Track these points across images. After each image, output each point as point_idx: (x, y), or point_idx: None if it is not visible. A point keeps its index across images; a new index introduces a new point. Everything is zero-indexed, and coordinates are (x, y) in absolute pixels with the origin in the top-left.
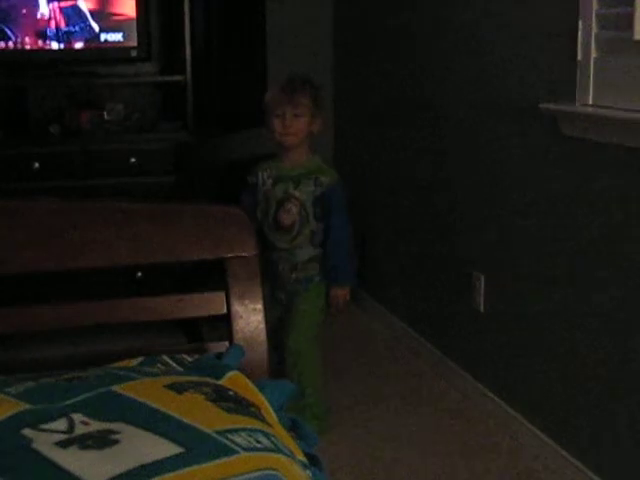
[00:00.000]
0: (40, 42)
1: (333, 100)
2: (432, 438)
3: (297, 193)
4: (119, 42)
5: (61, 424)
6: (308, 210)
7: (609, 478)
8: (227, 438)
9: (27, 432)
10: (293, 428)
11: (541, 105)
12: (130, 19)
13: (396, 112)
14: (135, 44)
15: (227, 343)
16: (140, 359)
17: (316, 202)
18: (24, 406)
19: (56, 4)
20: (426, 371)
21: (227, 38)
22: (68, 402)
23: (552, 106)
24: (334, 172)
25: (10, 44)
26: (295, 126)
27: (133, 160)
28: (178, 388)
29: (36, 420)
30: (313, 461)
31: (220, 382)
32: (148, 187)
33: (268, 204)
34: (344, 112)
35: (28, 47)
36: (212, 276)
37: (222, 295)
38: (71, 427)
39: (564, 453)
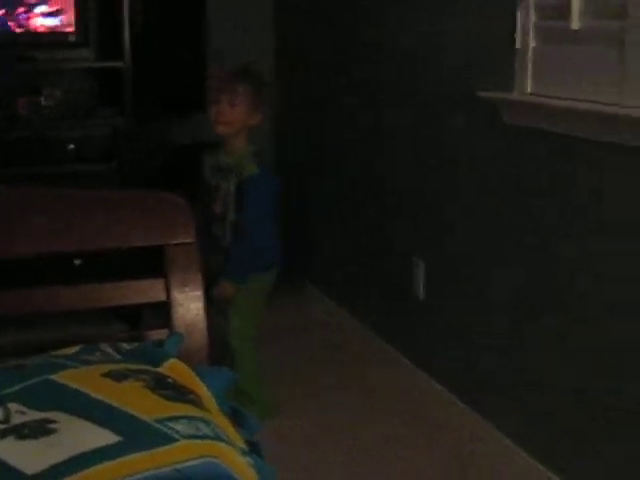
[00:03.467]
0: None
1: (273, 85)
2: (375, 425)
3: (224, 184)
4: (56, 26)
5: None
6: (229, 201)
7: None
8: (167, 426)
9: None
10: (234, 415)
11: (480, 93)
12: (67, 3)
13: (336, 98)
14: (73, 29)
15: (167, 331)
16: (78, 347)
17: (238, 194)
18: None
19: None
20: (367, 357)
21: (166, 21)
22: (4, 392)
23: (491, 94)
24: (254, 165)
25: None
26: (229, 115)
27: (71, 147)
28: (116, 376)
29: None
30: (254, 448)
31: (159, 370)
32: (87, 174)
33: (208, 193)
34: (285, 97)
35: None
36: (151, 263)
37: (162, 282)
38: (7, 416)
39: (499, 434)
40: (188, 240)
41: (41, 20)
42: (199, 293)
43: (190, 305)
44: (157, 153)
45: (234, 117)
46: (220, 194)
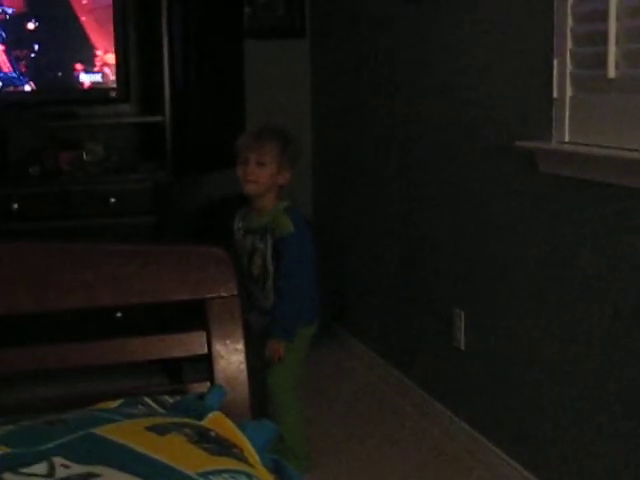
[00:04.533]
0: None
1: (312, 146)
2: (416, 477)
3: (261, 245)
4: (98, 83)
5: (41, 468)
6: (268, 261)
7: None
8: None
9: (7, 476)
10: (276, 469)
11: (517, 143)
12: (109, 59)
13: (372, 153)
14: (114, 85)
15: (208, 384)
16: (121, 401)
17: (274, 253)
18: (4, 450)
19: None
20: (408, 410)
21: (206, 79)
22: (48, 445)
23: (528, 144)
24: (289, 222)
25: None
26: (257, 174)
27: (113, 200)
28: (159, 430)
29: (16, 464)
30: None
31: (202, 423)
32: (128, 228)
33: (242, 254)
34: (322, 157)
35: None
36: (193, 317)
37: (203, 335)
38: (52, 470)
39: None
40: (230, 293)
41: (83, 76)
42: (240, 346)
43: (231, 358)
44: (196, 207)
45: (262, 176)
46: (257, 256)
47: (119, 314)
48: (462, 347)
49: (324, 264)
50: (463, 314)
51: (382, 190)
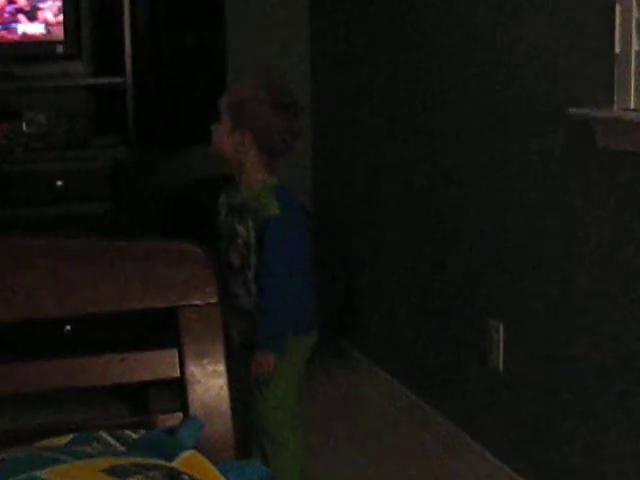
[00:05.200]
0: None
1: (312, 131)
2: None
3: (240, 227)
4: (40, 35)
5: None
6: (249, 251)
7: None
8: None
9: None
10: None
11: (570, 110)
12: (55, 8)
13: (389, 126)
14: (61, 37)
15: (181, 415)
16: (71, 436)
17: (258, 240)
18: None
19: None
20: (433, 446)
21: (178, 29)
22: None
23: (585, 111)
24: (274, 201)
25: None
26: (214, 134)
27: (59, 184)
28: (120, 473)
29: None
30: None
31: (173, 464)
32: (78, 218)
33: (222, 239)
34: (323, 132)
35: None
36: (162, 331)
37: (174, 354)
38: None
39: None
40: (207, 301)
41: (21, 27)
42: (221, 367)
43: (209, 382)
44: (166, 191)
45: (215, 134)
46: (237, 242)
47: (68, 327)
48: (500, 368)
49: (326, 264)
50: (502, 327)
51: (399, 173)
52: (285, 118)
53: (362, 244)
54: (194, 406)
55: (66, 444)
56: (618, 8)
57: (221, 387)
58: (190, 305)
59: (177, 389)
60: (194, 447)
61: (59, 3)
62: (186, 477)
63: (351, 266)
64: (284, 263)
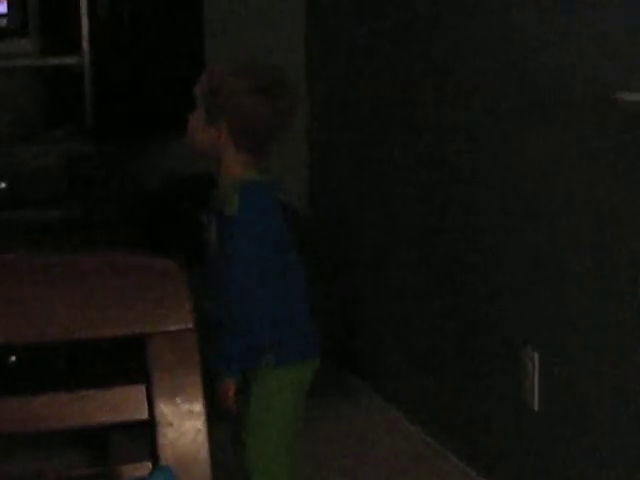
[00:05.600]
0: None
1: (309, 117)
2: None
3: (209, 225)
4: None
5: None
6: (212, 249)
7: None
8: None
9: None
10: None
11: (618, 95)
12: None
13: (400, 117)
14: (4, 10)
15: (149, 465)
16: None
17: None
18: None
19: None
20: None
21: (144, 3)
22: None
23: (634, 96)
24: (236, 199)
25: None
26: (189, 126)
27: (3, 186)
28: None
29: None
30: None
31: None
32: (26, 225)
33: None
34: (322, 124)
35: None
36: (127, 363)
37: (141, 391)
38: None
39: None
40: (183, 327)
41: None
42: (198, 407)
43: (184, 425)
44: (135, 193)
45: (189, 122)
46: (209, 248)
47: (13, 358)
48: (535, 406)
49: (327, 283)
50: (537, 356)
51: (409, 175)
52: (267, 102)
53: (369, 260)
54: (165, 454)
55: None
56: None
57: (198, 430)
58: (161, 332)
59: (145, 433)
60: None
61: None
62: None
63: (357, 286)
64: (236, 272)
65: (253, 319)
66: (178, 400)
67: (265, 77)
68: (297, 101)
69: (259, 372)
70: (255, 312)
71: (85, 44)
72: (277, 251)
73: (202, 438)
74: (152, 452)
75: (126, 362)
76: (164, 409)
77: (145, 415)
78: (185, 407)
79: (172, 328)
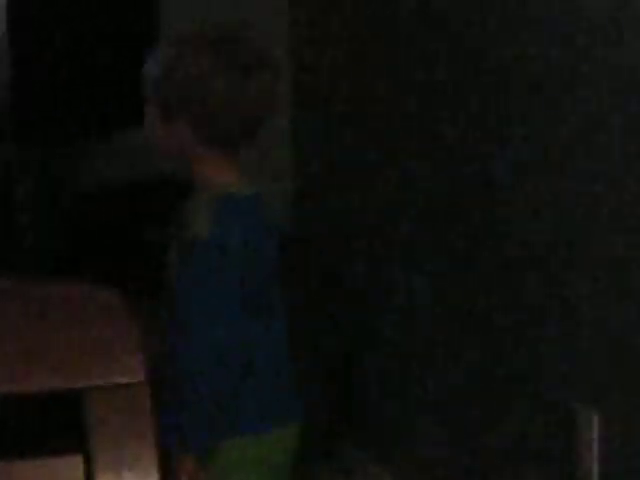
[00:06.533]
0: None
1: (294, 107)
2: None
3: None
4: None
5: None
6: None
7: None
8: None
9: None
10: None
11: None
12: None
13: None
14: None
15: None
16: None
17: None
18: None
19: None
20: None
21: None
22: None
23: None
24: (207, 217)
25: None
26: (146, 121)
27: None
28: None
29: None
30: None
31: None
32: None
33: None
34: (310, 121)
35: None
36: (59, 425)
37: (78, 462)
38: None
39: None
40: (131, 379)
41: None
42: None
43: None
44: (71, 206)
45: (148, 127)
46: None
47: None
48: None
49: (318, 322)
50: (596, 419)
51: (420, 183)
52: (241, 84)
53: (367, 292)
54: None
55: None
56: None
57: None
58: (102, 387)
59: None
60: None
61: None
62: None
63: (352, 326)
64: (198, 309)
65: (193, 375)
66: (126, 475)
67: (237, 51)
68: (279, 81)
69: (223, 444)
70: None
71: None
72: (250, 292)
73: None
74: None
75: (58, 425)
76: None
77: None
78: None
79: (117, 381)
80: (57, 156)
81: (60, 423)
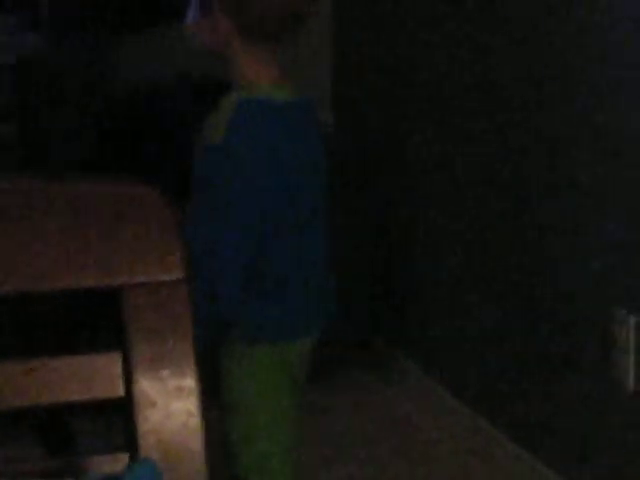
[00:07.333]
0: None
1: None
2: None
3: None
4: None
5: None
6: None
7: None
8: None
9: None
10: None
11: None
12: None
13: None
14: None
15: (127, 456)
16: None
17: None
18: None
19: None
20: None
21: None
22: None
23: None
24: (224, 123)
25: None
26: (188, 14)
27: None
28: None
29: None
30: None
31: None
32: None
33: None
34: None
35: None
36: (98, 325)
37: (117, 360)
38: None
39: None
40: (170, 277)
41: None
42: (190, 382)
43: (172, 406)
44: (108, 101)
45: (189, 21)
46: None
47: None
48: (630, 385)
49: (357, 234)
50: (633, 322)
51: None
52: None
53: (416, 209)
54: (147, 443)
55: None
56: None
57: (190, 413)
58: (142, 284)
59: (122, 417)
60: None
61: None
62: None
63: (397, 238)
64: (202, 217)
65: (217, 282)
66: (164, 373)
67: None
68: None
69: (226, 348)
70: (220, 274)
71: None
72: (280, 199)
73: (194, 423)
74: (129, 441)
75: (96, 323)
76: (145, 385)
77: (121, 392)
78: (173, 383)
79: (156, 279)
80: (86, 61)
81: (99, 321)
